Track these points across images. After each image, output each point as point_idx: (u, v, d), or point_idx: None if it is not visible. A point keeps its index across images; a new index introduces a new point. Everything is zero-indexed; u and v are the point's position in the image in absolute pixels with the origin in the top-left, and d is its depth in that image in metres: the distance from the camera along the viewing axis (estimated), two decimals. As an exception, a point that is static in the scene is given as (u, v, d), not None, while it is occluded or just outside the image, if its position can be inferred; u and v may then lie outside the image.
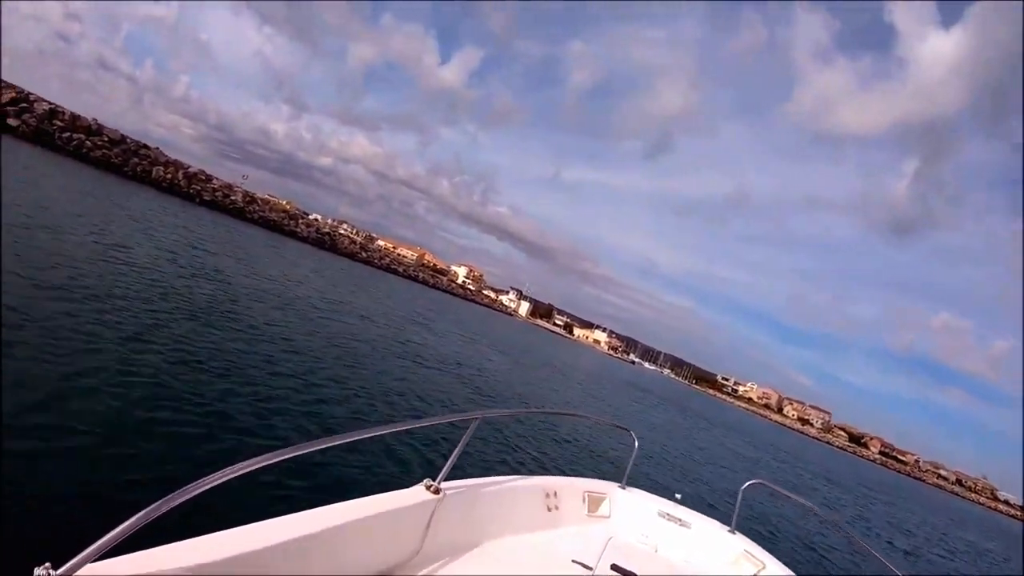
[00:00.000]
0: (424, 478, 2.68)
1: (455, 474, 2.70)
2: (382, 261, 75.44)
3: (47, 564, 1.17)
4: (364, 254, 69.64)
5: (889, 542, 17.79)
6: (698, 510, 4.04)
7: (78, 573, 1.19)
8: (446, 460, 2.67)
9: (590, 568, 3.00)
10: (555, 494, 3.53)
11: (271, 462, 1.63)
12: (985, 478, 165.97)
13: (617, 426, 4.94)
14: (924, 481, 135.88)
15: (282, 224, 49.92)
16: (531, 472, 8.03)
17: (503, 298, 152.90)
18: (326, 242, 58.67)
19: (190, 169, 40.36)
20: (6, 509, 3.69)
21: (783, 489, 4.26)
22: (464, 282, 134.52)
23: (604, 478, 4.17)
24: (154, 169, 35.50)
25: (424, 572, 2.44)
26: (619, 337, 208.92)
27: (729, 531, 3.83)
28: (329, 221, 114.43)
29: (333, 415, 8.41)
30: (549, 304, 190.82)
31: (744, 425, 52.10)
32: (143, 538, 1.33)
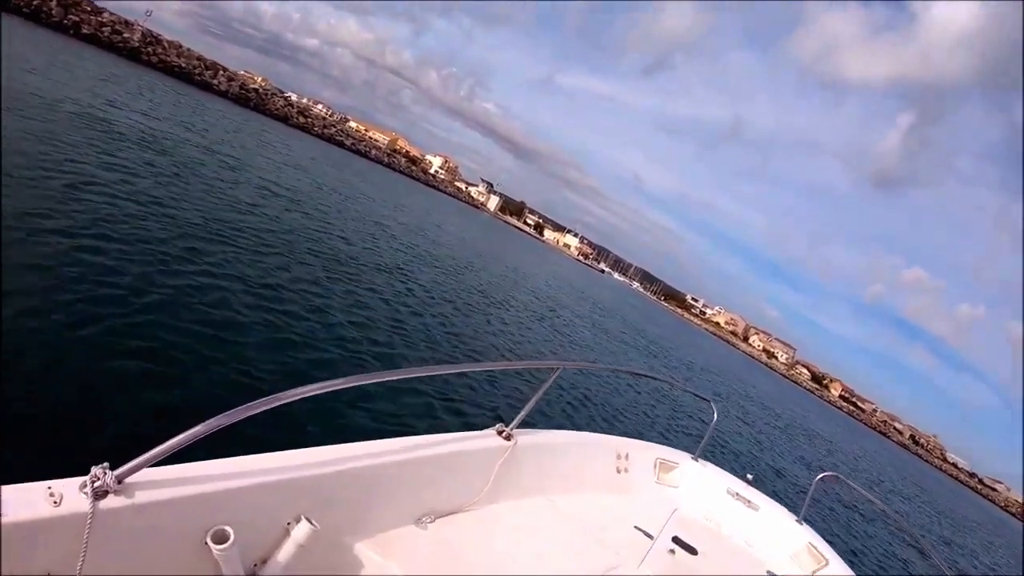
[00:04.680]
0: (496, 422, 2.69)
1: (528, 422, 2.70)
2: (325, 131, 72.93)
3: (105, 464, 1.23)
4: (301, 119, 67.12)
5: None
6: (769, 495, 3.97)
7: (135, 476, 1.26)
8: (519, 405, 2.72)
9: (651, 537, 2.98)
10: (626, 456, 3.52)
11: (341, 387, 1.64)
12: (936, 437, 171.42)
13: (698, 396, 4.94)
14: (889, 437, 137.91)
15: (192, 73, 47.39)
16: (602, 429, 8.25)
17: (472, 190, 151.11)
18: (251, 99, 55.79)
19: (72, -4, 37.42)
20: (77, 412, 3.87)
21: (858, 485, 4.21)
22: (437, 172, 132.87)
23: (677, 447, 4.14)
24: (17, -11, 32.79)
25: (487, 516, 2.43)
26: (591, 244, 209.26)
27: (796, 521, 3.73)
28: (304, 100, 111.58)
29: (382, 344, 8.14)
30: (521, 202, 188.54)
31: (720, 363, 49.07)
32: (205, 449, 1.37)
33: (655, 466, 3.75)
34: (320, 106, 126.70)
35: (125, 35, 40.73)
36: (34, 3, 33.56)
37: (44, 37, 30.39)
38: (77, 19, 36.48)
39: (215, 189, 12.60)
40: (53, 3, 34.97)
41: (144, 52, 42.07)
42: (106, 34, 38.77)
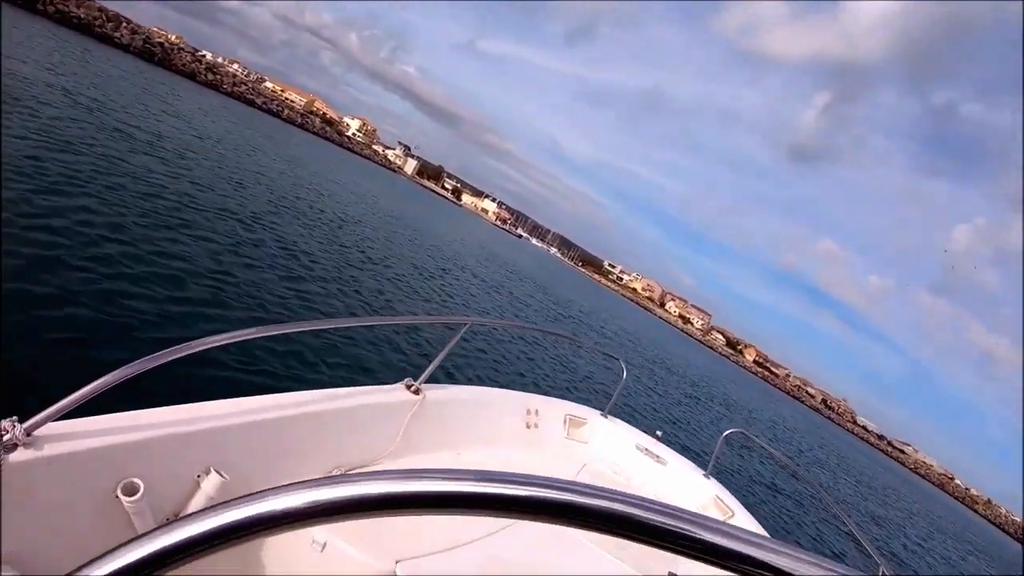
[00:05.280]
0: (405, 377, 2.72)
1: (437, 377, 2.74)
2: (235, 89, 71.80)
3: (14, 417, 1.25)
4: (209, 76, 65.96)
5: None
6: (677, 451, 4.08)
7: (43, 428, 1.27)
8: (428, 361, 2.73)
9: None
10: (536, 412, 3.58)
11: (249, 337, 1.63)
12: (846, 401, 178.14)
13: (607, 354, 5.07)
14: (802, 402, 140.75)
15: (92, 24, 46.50)
16: (512, 386, 8.24)
17: (388, 153, 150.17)
18: (156, 54, 54.21)
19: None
20: None
21: (762, 440, 4.24)
22: (354, 135, 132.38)
23: (587, 404, 4.20)
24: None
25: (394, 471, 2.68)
26: (509, 210, 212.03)
27: (704, 475, 3.87)
28: (219, 60, 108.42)
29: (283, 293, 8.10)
30: (439, 166, 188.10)
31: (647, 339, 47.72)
32: (112, 401, 1.38)
33: (564, 422, 3.79)
34: (236, 66, 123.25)
35: (18, -18, 40.14)
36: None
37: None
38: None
39: (54, 127, 11.15)
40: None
41: (40, 2, 41.48)
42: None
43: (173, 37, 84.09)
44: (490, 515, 0.53)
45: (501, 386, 5.22)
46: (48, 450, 1.27)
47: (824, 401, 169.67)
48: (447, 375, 7.64)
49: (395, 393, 2.59)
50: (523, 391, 3.89)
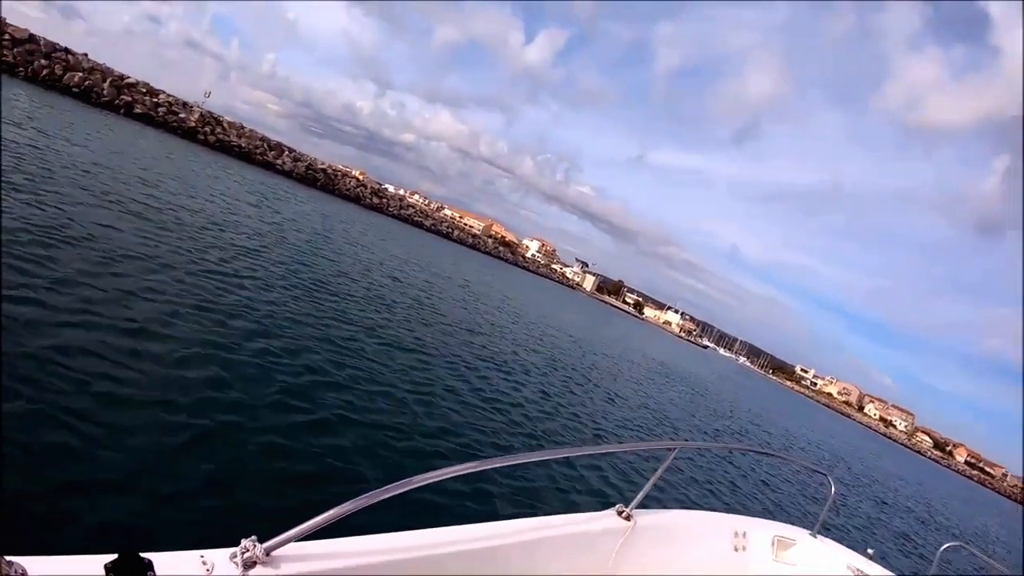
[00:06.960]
0: (615, 503, 2.71)
1: (645, 503, 2.71)
2: (402, 212, 72.96)
3: (254, 537, 1.34)
4: (375, 199, 67.19)
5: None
6: (891, 569, 3.82)
7: (282, 549, 1.35)
8: (636, 485, 2.96)
9: None
10: (744, 534, 3.44)
11: (464, 472, 1.72)
12: None
13: (815, 470, 4.82)
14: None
15: (253, 152, 48.22)
16: (719, 506, 8.38)
17: (566, 271, 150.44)
18: (319, 180, 55.98)
19: (127, 79, 38.24)
20: (227, 488, 4.22)
21: (984, 554, 4.01)
22: (534, 256, 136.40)
23: (795, 523, 4.06)
24: (67, 74, 33.31)
25: None
26: (693, 320, 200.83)
27: None
28: (401, 192, 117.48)
29: (517, 429, 8.64)
30: (619, 280, 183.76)
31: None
32: (343, 528, 1.45)
33: (772, 543, 3.58)
34: (417, 196, 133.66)
35: (181, 115, 41.79)
36: (84, 85, 34.86)
37: (90, 115, 29.96)
38: (129, 99, 37.45)
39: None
40: (106, 84, 36.31)
41: (200, 132, 42.91)
42: (160, 114, 39.63)
43: (358, 173, 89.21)
44: None
45: (709, 507, 5.23)
46: (285, 569, 1.36)
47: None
48: (655, 500, 7.29)
49: (606, 520, 2.58)
50: (731, 512, 3.78)
